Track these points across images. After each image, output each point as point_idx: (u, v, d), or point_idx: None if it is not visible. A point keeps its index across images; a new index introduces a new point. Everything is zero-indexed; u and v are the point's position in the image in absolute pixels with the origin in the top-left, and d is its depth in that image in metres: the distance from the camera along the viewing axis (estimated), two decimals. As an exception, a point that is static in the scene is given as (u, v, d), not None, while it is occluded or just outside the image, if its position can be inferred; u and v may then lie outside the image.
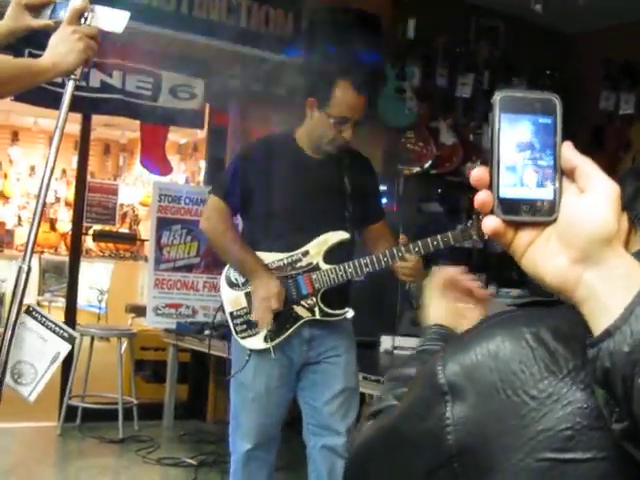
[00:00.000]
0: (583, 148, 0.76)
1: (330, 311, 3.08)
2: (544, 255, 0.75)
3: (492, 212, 0.76)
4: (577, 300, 0.75)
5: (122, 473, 4.88)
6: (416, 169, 6.05)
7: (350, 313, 3.11)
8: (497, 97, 0.76)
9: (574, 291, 0.74)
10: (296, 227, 3.06)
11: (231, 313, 3.13)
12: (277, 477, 3.85)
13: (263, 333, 3.03)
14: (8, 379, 2.00)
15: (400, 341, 4.79)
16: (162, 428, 5.71)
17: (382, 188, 5.55)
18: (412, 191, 5.93)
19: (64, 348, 2.14)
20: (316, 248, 3.06)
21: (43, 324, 2.12)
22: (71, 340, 2.16)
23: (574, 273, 0.74)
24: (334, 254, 3.06)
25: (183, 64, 5.47)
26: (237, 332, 3.10)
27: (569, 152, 0.75)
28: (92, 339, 5.58)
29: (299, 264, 3.06)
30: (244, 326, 3.09)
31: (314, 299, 3.06)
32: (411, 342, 4.81)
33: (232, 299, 3.13)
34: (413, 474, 0.91)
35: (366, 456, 1.02)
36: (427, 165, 6.06)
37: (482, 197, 0.76)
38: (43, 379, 2.11)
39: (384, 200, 5.51)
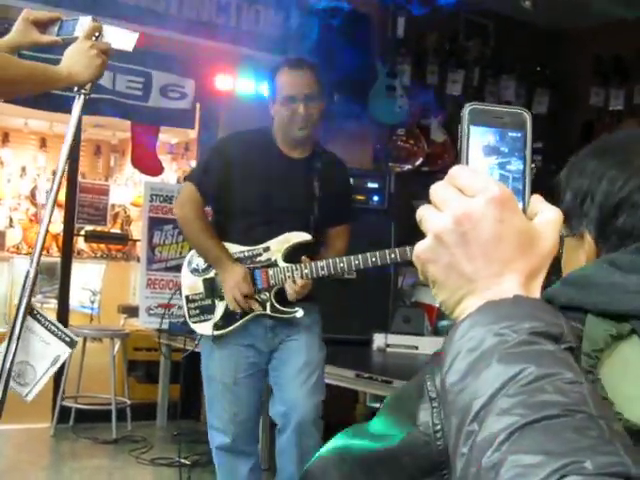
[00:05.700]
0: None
1: (281, 308, 3.14)
2: None
3: None
4: None
5: (116, 474, 4.87)
6: (407, 167, 6.06)
7: (300, 313, 3.13)
8: (466, 109, 0.74)
9: None
10: (262, 223, 3.14)
11: (187, 297, 3.24)
12: (266, 477, 3.85)
13: (213, 320, 3.15)
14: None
15: (392, 339, 4.79)
16: (155, 428, 5.70)
17: (374, 186, 5.57)
18: (404, 189, 5.93)
19: (65, 352, 2.16)
20: (277, 245, 3.14)
21: (46, 327, 2.14)
22: (72, 344, 2.18)
23: None
24: (294, 254, 3.13)
25: (173, 64, 5.45)
26: (190, 316, 3.22)
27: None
28: (85, 340, 5.57)
29: (259, 258, 3.15)
30: (197, 311, 3.21)
31: (267, 294, 3.14)
32: (403, 340, 4.82)
33: (191, 284, 3.24)
34: None
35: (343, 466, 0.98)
36: (418, 163, 6.06)
37: None
38: (42, 380, 2.13)
39: (375, 198, 5.56)
